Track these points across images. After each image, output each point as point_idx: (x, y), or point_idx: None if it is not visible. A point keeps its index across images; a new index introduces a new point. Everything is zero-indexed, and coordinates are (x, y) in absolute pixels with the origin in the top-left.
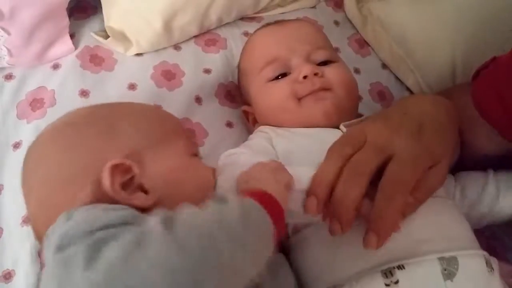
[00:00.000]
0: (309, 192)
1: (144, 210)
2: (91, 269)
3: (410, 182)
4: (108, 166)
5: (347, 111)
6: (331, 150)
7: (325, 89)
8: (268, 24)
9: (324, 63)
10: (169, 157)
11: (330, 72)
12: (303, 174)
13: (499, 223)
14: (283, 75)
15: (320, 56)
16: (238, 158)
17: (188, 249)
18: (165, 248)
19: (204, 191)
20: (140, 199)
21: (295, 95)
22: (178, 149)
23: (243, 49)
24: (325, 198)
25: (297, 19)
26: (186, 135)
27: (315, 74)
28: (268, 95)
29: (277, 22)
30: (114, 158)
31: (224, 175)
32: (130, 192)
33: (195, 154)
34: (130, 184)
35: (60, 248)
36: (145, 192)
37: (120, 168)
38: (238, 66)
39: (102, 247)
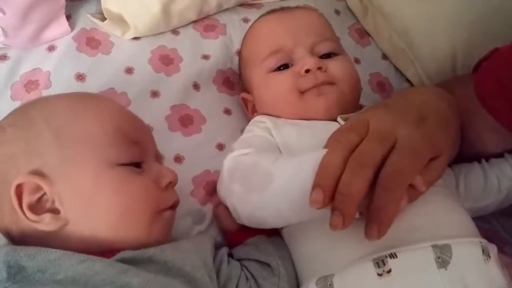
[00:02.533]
0: (314, 185)
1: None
2: None
3: (410, 173)
4: (13, 187)
5: (348, 105)
6: (334, 138)
7: (329, 83)
8: (273, 11)
9: (328, 55)
10: (85, 171)
11: (333, 65)
12: (306, 163)
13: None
14: (285, 66)
15: (325, 48)
16: (242, 159)
17: None
18: None
19: (144, 204)
20: (45, 222)
21: (297, 88)
22: (99, 162)
23: (246, 35)
24: (331, 190)
25: (304, 7)
26: (123, 140)
27: (319, 68)
28: (270, 86)
29: (283, 9)
30: (23, 172)
31: (234, 182)
32: (42, 211)
33: (136, 164)
34: (44, 201)
35: None
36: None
37: (27, 185)
38: (240, 53)
39: None
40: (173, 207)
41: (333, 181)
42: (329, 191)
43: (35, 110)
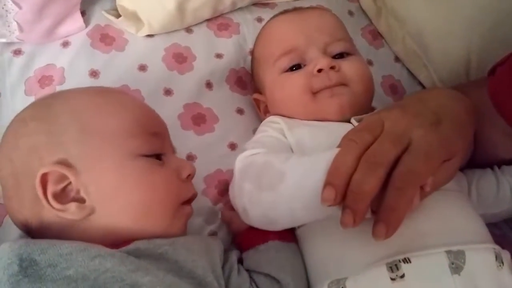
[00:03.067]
0: (326, 182)
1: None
2: None
3: (423, 174)
4: (38, 176)
5: (361, 106)
6: (347, 137)
7: (342, 84)
8: (286, 11)
9: (341, 55)
10: (109, 163)
11: (347, 65)
12: (319, 161)
13: None
14: (298, 66)
15: (338, 48)
16: (254, 159)
17: None
18: None
19: (166, 195)
20: (70, 211)
21: (310, 89)
22: (123, 153)
23: (259, 36)
24: (343, 188)
25: (317, 7)
26: (143, 133)
27: (332, 68)
28: (282, 87)
29: (296, 9)
30: (48, 162)
31: (245, 181)
32: (67, 200)
33: (156, 156)
34: (69, 191)
35: None
36: (83, 200)
37: (52, 175)
38: (252, 53)
39: None
40: (192, 199)
41: (345, 180)
42: (340, 189)
43: (58, 104)
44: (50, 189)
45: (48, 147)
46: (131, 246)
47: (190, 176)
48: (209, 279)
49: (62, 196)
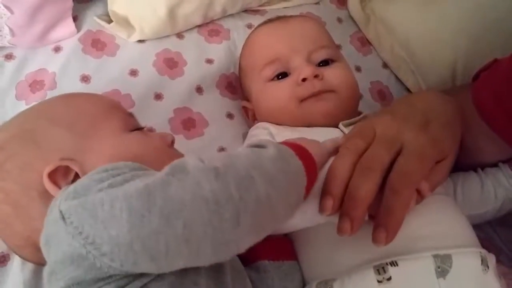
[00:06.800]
0: (323, 191)
1: None
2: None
3: (417, 175)
4: (45, 176)
5: (347, 111)
6: (342, 145)
7: (327, 91)
8: (270, 20)
9: (326, 62)
10: (105, 141)
11: (331, 73)
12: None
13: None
14: (284, 74)
15: (322, 55)
16: None
17: (226, 181)
18: (204, 177)
19: (159, 163)
20: None
21: (296, 97)
22: (113, 129)
23: (244, 46)
24: (341, 196)
25: (300, 15)
26: (120, 112)
27: (315, 77)
28: (268, 96)
29: (279, 18)
30: (47, 166)
31: None
32: None
33: (137, 128)
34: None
35: (74, 197)
36: None
37: (59, 171)
38: (239, 64)
39: (126, 183)
40: None
41: (342, 187)
42: (338, 198)
43: (31, 120)
44: (63, 183)
45: (40, 157)
46: None
47: (173, 142)
48: None
49: None
